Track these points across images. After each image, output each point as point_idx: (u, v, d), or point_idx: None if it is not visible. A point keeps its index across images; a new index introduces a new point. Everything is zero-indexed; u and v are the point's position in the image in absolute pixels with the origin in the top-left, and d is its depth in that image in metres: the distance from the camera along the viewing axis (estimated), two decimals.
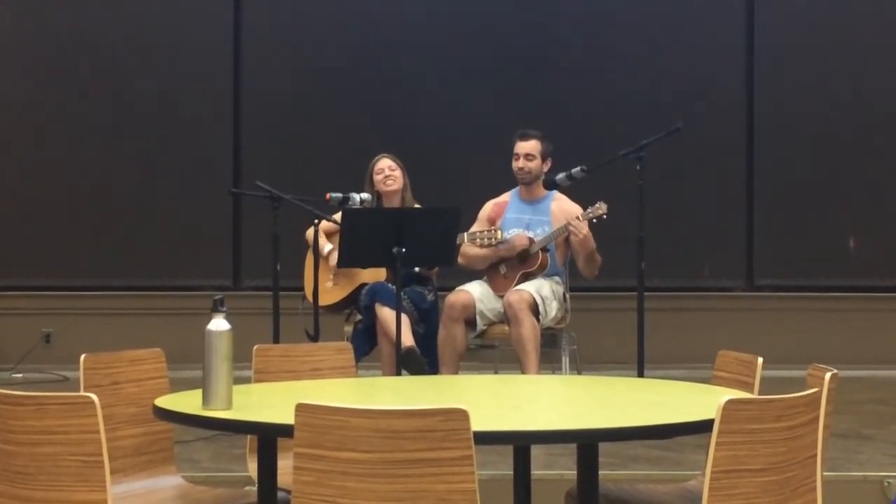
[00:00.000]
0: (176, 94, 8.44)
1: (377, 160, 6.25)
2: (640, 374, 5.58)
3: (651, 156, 5.70)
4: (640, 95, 8.31)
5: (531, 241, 6.06)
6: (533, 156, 6.13)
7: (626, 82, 8.39)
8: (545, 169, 6.16)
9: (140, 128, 8.45)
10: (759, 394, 3.15)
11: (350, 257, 5.50)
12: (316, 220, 5.81)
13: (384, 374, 5.86)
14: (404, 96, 8.41)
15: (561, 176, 5.92)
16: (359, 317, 6.13)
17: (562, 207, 6.13)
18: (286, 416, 2.47)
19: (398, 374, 5.43)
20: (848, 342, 8.07)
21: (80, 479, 2.67)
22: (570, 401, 3.45)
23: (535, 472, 3.54)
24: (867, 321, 8.26)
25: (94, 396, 2.68)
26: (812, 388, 2.69)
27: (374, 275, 6.05)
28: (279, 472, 2.99)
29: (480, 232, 6.02)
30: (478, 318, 5.99)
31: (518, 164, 6.15)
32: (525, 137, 6.16)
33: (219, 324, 2.88)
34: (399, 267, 5.23)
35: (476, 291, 6.05)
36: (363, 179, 6.23)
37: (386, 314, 5.82)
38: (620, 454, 5.02)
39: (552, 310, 5.97)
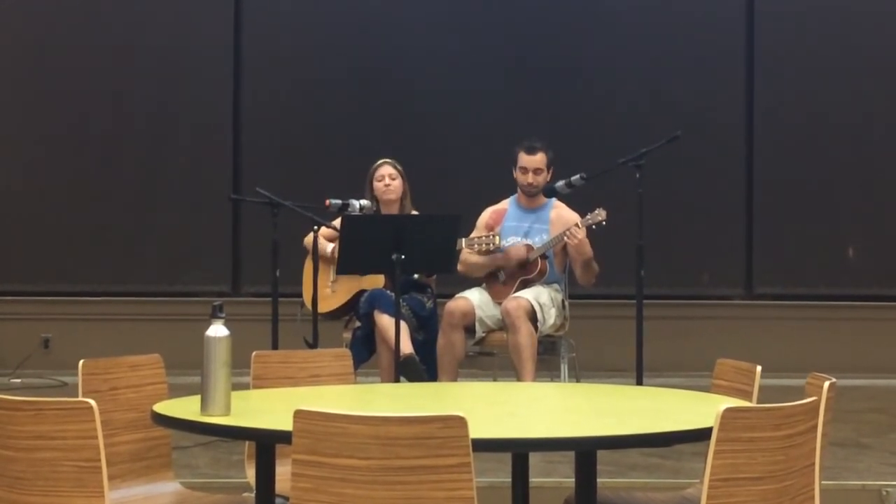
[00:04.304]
0: (176, 99, 8.45)
1: (378, 166, 6.24)
2: (639, 382, 5.58)
3: (650, 164, 5.70)
4: (640, 103, 8.32)
5: (529, 248, 6.06)
6: (541, 169, 6.11)
7: (626, 90, 8.40)
8: (548, 178, 6.15)
9: (140, 133, 8.46)
10: (758, 402, 3.15)
11: (349, 263, 5.50)
12: (315, 227, 5.80)
13: (383, 381, 5.85)
14: (404, 103, 8.42)
15: (560, 183, 5.92)
16: (358, 324, 6.13)
17: (560, 215, 6.12)
18: (284, 423, 2.47)
19: (397, 381, 5.43)
20: (847, 351, 8.07)
21: (77, 484, 2.67)
22: (569, 408, 3.44)
23: (534, 479, 3.54)
24: (866, 330, 8.26)
25: (92, 402, 2.69)
26: (810, 396, 2.69)
27: (373, 282, 6.05)
28: (277, 478, 2.99)
29: (479, 237, 6.02)
30: (477, 325, 5.99)
31: (528, 178, 6.10)
32: (532, 151, 6.12)
33: (218, 330, 2.88)
34: (398, 273, 5.23)
35: (475, 299, 6.05)
36: (363, 186, 6.23)
37: (385, 321, 5.82)
38: (619, 462, 5.01)
39: (551, 317, 5.97)
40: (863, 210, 8.48)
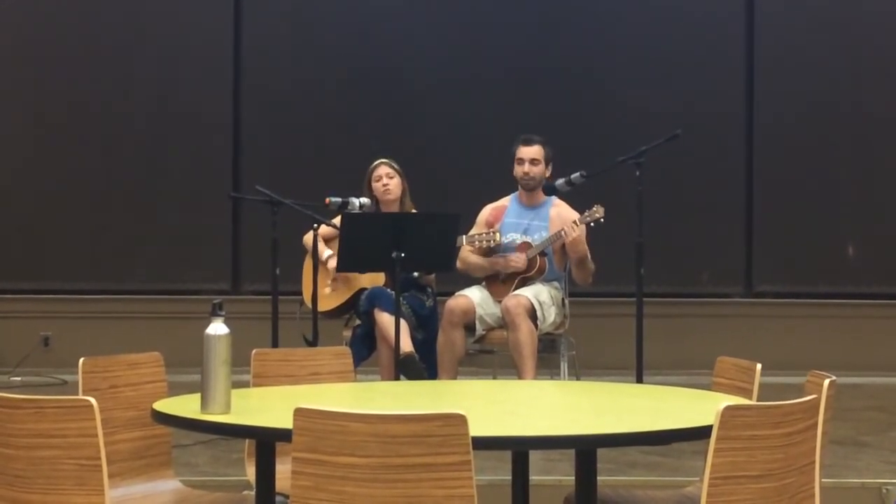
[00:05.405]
0: (176, 97, 8.45)
1: (375, 166, 6.24)
2: (639, 380, 5.58)
3: (650, 162, 5.70)
4: (640, 102, 8.31)
5: (527, 245, 6.07)
6: (538, 160, 6.14)
7: (626, 89, 8.40)
8: (547, 174, 6.16)
9: (140, 131, 8.46)
10: (758, 400, 3.15)
11: (349, 261, 5.50)
12: (315, 225, 5.80)
13: (383, 380, 5.86)
14: (405, 101, 8.42)
15: (560, 181, 5.93)
16: (357, 322, 6.13)
17: (560, 213, 6.13)
18: (284, 421, 2.47)
19: (397, 379, 5.43)
20: (846, 349, 8.07)
21: (78, 482, 2.66)
22: (569, 406, 3.44)
23: (534, 477, 3.54)
24: (866, 328, 8.26)
25: (92, 400, 2.68)
26: (810, 394, 2.69)
27: (373, 280, 6.05)
28: (277, 476, 2.99)
29: (479, 234, 6.03)
30: (477, 323, 6.00)
31: (524, 169, 6.13)
32: (529, 143, 6.16)
33: (217, 328, 2.88)
34: (398, 271, 5.23)
35: (476, 297, 6.05)
36: (363, 184, 6.23)
37: (385, 319, 5.82)
38: (619, 460, 5.02)
39: (551, 315, 5.98)
40: (862, 208, 8.48)
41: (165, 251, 8.35)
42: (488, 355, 6.38)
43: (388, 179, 6.17)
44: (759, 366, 3.34)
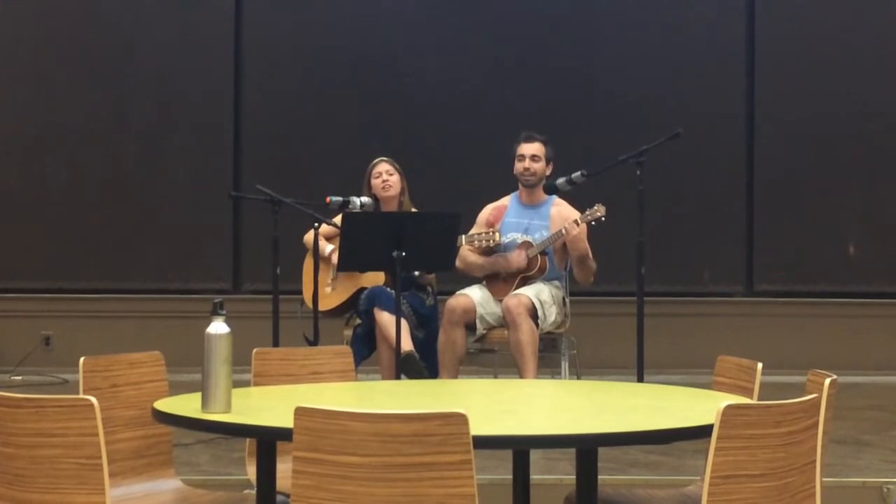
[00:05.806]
0: (176, 97, 8.44)
1: (375, 164, 6.25)
2: (640, 379, 5.58)
3: (651, 161, 5.69)
4: (641, 101, 8.31)
5: (528, 244, 6.07)
6: (538, 157, 6.14)
7: (627, 88, 8.39)
8: (547, 173, 6.17)
9: (140, 130, 8.45)
10: (759, 399, 3.15)
11: (350, 261, 5.50)
12: (316, 224, 5.80)
13: (383, 379, 5.85)
14: (405, 100, 8.42)
15: (561, 180, 5.92)
16: (358, 321, 6.13)
17: (561, 213, 6.13)
18: (285, 420, 2.47)
19: (397, 378, 5.43)
20: (847, 348, 8.06)
21: (78, 481, 2.66)
22: (570, 405, 3.44)
23: (534, 476, 3.54)
24: (867, 327, 8.26)
25: (93, 399, 2.68)
26: (811, 393, 2.69)
27: (373, 279, 6.05)
28: (278, 475, 2.99)
29: (479, 234, 6.03)
30: (478, 322, 6.00)
31: (524, 164, 6.14)
32: (530, 139, 6.17)
33: (218, 327, 2.88)
34: (399, 271, 5.23)
35: (476, 296, 6.05)
36: (363, 183, 6.23)
37: (385, 318, 5.82)
38: (619, 459, 5.01)
39: (551, 314, 5.97)
40: (863, 207, 8.48)
41: (166, 250, 8.34)
42: (489, 354, 6.38)
43: (387, 176, 6.18)
44: (759, 365, 3.34)
